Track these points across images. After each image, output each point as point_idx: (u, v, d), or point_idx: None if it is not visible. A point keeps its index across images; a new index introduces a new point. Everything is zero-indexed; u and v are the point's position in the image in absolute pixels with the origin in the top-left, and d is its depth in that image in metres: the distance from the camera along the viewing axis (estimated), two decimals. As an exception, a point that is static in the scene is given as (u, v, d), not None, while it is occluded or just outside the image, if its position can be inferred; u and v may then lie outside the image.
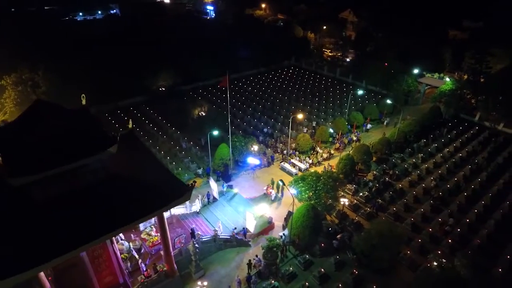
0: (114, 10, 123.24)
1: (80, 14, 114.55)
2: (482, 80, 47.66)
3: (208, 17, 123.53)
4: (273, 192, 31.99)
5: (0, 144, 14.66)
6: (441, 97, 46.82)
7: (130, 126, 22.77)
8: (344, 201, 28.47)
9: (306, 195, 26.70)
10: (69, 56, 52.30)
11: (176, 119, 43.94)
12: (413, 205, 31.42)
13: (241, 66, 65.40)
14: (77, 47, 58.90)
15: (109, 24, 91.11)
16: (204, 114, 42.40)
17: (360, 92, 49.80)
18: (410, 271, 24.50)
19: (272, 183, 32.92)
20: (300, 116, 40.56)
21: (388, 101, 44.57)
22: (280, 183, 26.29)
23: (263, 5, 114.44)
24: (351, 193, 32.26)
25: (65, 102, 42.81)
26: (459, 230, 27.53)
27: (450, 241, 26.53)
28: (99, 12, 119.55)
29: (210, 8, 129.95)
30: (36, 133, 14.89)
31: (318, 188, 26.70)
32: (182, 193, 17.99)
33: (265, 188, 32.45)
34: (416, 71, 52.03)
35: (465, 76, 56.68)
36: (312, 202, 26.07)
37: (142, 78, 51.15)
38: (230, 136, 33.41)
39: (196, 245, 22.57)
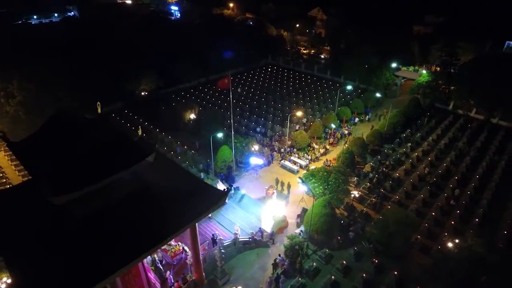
0: (72, 13, 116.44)
1: (35, 17, 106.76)
2: (452, 71, 51.12)
3: (173, 18, 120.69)
4: (275, 192, 31.87)
5: (40, 162, 13.32)
6: (418, 88, 49.60)
7: (139, 133, 21.74)
8: (354, 193, 29.29)
9: (320, 191, 27.09)
10: (40, 63, 48.54)
11: (165, 123, 42.54)
12: (412, 192, 33.10)
13: (219, 67, 64.66)
14: (43, 53, 54.83)
15: (71, 27, 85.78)
16: (195, 117, 41.42)
17: (349, 87, 51.31)
18: (423, 255, 25.85)
19: (277, 182, 33.00)
20: (299, 113, 41.04)
21: (377, 95, 46.40)
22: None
23: (231, 5, 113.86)
24: (354, 186, 33.26)
25: (44, 111, 40.47)
26: (458, 212, 29.50)
27: (452, 223, 28.34)
28: (56, 14, 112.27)
29: (174, 8, 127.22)
30: (76, 148, 13.75)
31: (330, 183, 27.23)
32: (219, 198, 17.52)
33: (266, 187, 32.27)
34: (394, 65, 54.66)
35: (434, 68, 60.69)
36: (327, 196, 26.51)
37: (122, 83, 48.84)
38: (232, 137, 32.99)
39: (222, 250, 22.11)
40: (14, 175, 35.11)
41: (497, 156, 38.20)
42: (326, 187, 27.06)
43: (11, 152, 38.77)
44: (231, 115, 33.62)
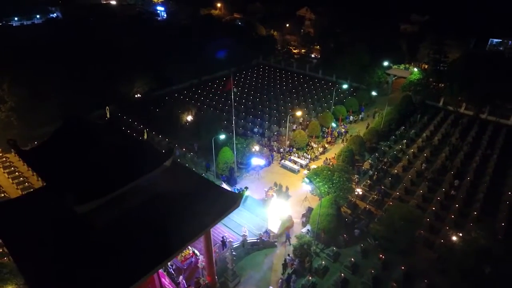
0: (55, 14, 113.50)
1: (16, 19, 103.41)
2: (442, 68, 52.44)
3: (160, 18, 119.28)
4: (275, 194, 31.90)
5: (57, 170, 12.94)
6: (410, 86, 50.66)
7: (145, 137, 21.43)
8: (358, 191, 29.69)
9: (325, 190, 27.34)
10: (26, 66, 47.07)
11: (162, 125, 42.01)
12: (411, 188, 33.81)
13: (211, 67, 64.39)
14: (28, 56, 53.11)
15: (56, 29, 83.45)
16: (192, 119, 41.05)
17: (345, 86, 51.92)
18: (427, 249, 26.47)
19: (275, 185, 33.12)
20: (299, 113, 41.29)
21: (373, 93, 47.19)
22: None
23: (219, 5, 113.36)
24: (355, 183, 33.69)
25: (37, 116, 39.41)
26: (457, 205, 30.33)
27: (452, 216, 29.13)
28: (38, 16, 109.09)
29: (160, 9, 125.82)
30: (95, 154, 13.40)
31: (334, 181, 27.53)
32: (234, 201, 17.46)
33: (266, 189, 32.19)
34: (386, 63, 55.66)
35: (423, 66, 62.13)
36: (332, 195, 26.78)
37: (115, 85, 47.91)
38: (234, 138, 32.89)
39: (234, 252, 22.07)
40: (7, 182, 33.94)
41: (489, 150, 39.41)
42: (331, 185, 27.32)
43: (3, 160, 37.70)
44: (232, 116, 33.54)
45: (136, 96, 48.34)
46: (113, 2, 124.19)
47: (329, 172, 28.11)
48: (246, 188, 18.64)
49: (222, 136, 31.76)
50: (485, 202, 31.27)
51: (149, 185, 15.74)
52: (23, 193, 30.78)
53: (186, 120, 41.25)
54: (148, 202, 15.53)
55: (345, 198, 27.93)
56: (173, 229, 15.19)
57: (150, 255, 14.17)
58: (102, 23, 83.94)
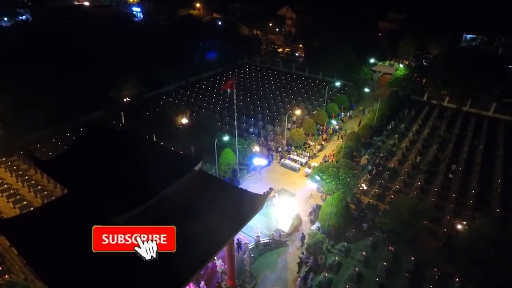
0: (24, 16, 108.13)
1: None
2: (424, 64, 54.50)
3: (137, 19, 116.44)
4: (276, 195, 31.93)
5: (87, 181, 12.34)
6: (397, 82, 52.26)
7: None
8: (363, 186, 30.33)
9: (333, 186, 27.74)
10: (5, 73, 44.55)
11: (156, 129, 40.98)
12: (408, 180, 34.93)
13: (198, 68, 63.64)
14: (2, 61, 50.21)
15: (27, 32, 79.47)
16: (187, 121, 40.36)
17: (337, 84, 52.75)
18: (432, 239, 27.45)
19: (271, 189, 33.12)
20: (298, 112, 41.59)
21: (366, 90, 48.36)
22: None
23: (197, 5, 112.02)
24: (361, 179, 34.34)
25: (24, 124, 37.61)
26: (454, 195, 31.65)
27: (452, 206, 30.38)
28: (5, 19, 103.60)
29: (136, 9, 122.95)
30: (124, 162, 12.91)
31: (340, 178, 27.97)
32: (260, 202, 17.39)
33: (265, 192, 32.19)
34: (372, 60, 57.11)
35: (405, 62, 64.26)
36: (340, 191, 27.21)
37: (102, 90, 46.29)
38: (236, 139, 32.70)
39: (252, 254, 21.97)
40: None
41: (476, 141, 41.38)
42: (338, 182, 27.74)
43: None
44: (235, 117, 33.31)
45: (125, 99, 46.91)
46: (86, 3, 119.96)
47: (334, 169, 28.52)
48: (271, 189, 18.59)
49: (226, 138, 31.47)
50: (478, 190, 32.86)
51: (177, 191, 15.39)
52: (22, 212, 29.14)
53: (181, 122, 40.53)
54: (177, 209, 15.15)
55: (352, 193, 28.44)
56: (205, 235, 14.92)
57: (185, 264, 13.85)
58: (77, 26, 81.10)
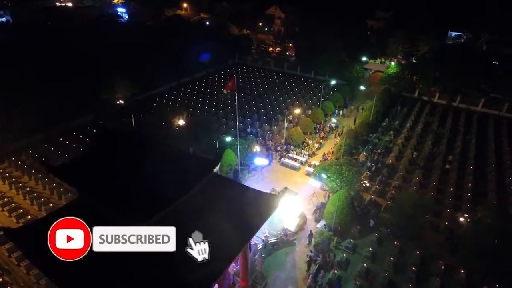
0: (4, 18, 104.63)
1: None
2: (414, 61, 55.63)
3: (122, 20, 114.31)
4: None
5: (110, 186, 11.99)
6: (388, 79, 53.16)
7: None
8: (365, 182, 30.67)
9: (337, 184, 27.95)
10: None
11: (153, 131, 40.38)
12: (407, 176, 35.56)
13: (189, 69, 63.01)
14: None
15: (8, 34, 76.89)
16: (184, 123, 39.92)
17: (333, 82, 53.16)
18: (433, 232, 28.04)
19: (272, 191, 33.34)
20: (297, 111, 41.75)
21: (362, 87, 49.02)
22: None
23: (184, 5, 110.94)
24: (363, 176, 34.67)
25: (13, 129, 36.49)
26: (451, 189, 32.41)
27: (450, 200, 31.11)
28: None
29: (121, 10, 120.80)
30: (146, 166, 12.62)
31: (344, 175, 28.21)
32: (275, 202, 17.33)
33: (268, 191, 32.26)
34: (364, 58, 57.86)
35: (393, 59, 65.44)
36: (345, 189, 27.44)
37: (95, 92, 45.19)
38: (238, 140, 32.52)
39: (263, 254, 21.90)
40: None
41: (469, 135, 42.51)
42: (342, 179, 27.97)
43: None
44: (236, 117, 33.12)
45: (118, 102, 45.98)
46: (69, 4, 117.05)
47: (337, 167, 28.73)
48: (286, 188, 18.56)
49: (228, 138, 31.26)
50: (475, 183, 33.77)
51: (196, 194, 15.17)
52: (19, 221, 28.20)
53: (178, 124, 40.05)
54: (196, 211, 14.92)
55: (356, 190, 28.72)
56: (226, 238, 14.75)
57: (208, 268, 13.65)
58: (63, 27, 79.02)
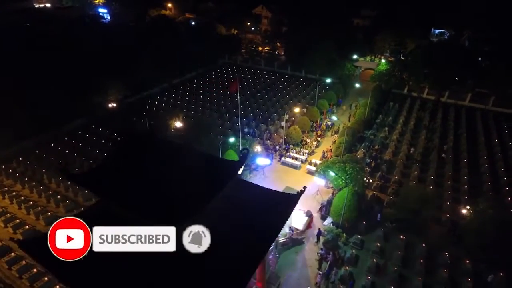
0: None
1: None
2: (402, 58, 56.86)
3: (104, 21, 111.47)
4: None
5: (138, 191, 11.63)
6: (379, 76, 54.12)
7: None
8: (369, 179, 31.08)
9: (342, 181, 28.21)
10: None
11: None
12: (405, 171, 36.32)
13: (179, 70, 62.18)
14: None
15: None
16: (181, 125, 39.31)
17: (328, 80, 53.58)
18: (435, 225, 28.73)
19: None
20: (297, 109, 41.86)
21: (357, 85, 49.59)
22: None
23: (169, 5, 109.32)
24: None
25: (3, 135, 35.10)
26: (449, 182, 33.32)
27: (449, 192, 31.98)
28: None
29: (103, 11, 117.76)
30: (171, 169, 12.36)
31: (348, 172, 28.51)
32: (294, 201, 17.33)
33: None
34: (355, 56, 58.65)
35: (380, 57, 66.72)
36: (350, 186, 27.73)
37: (84, 95, 43.87)
38: (240, 140, 32.31)
39: (277, 255, 21.84)
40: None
41: (460, 130, 43.82)
42: (347, 176, 28.26)
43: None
44: (238, 118, 32.85)
45: (110, 105, 44.84)
46: (48, 5, 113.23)
47: (341, 164, 29.01)
48: (305, 187, 18.57)
49: (232, 139, 31.00)
50: (470, 176, 34.84)
51: (221, 196, 14.96)
52: (16, 231, 27.03)
53: (175, 126, 39.43)
54: (224, 215, 14.72)
55: (361, 187, 29.08)
56: (252, 240, 14.60)
57: (236, 271, 13.49)
58: (44, 29, 76.27)
